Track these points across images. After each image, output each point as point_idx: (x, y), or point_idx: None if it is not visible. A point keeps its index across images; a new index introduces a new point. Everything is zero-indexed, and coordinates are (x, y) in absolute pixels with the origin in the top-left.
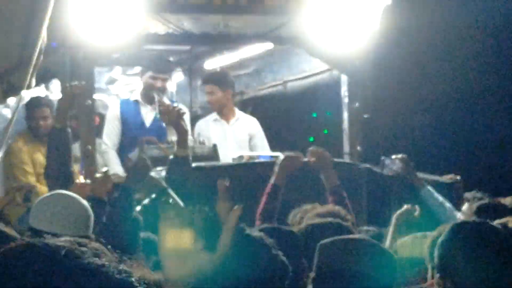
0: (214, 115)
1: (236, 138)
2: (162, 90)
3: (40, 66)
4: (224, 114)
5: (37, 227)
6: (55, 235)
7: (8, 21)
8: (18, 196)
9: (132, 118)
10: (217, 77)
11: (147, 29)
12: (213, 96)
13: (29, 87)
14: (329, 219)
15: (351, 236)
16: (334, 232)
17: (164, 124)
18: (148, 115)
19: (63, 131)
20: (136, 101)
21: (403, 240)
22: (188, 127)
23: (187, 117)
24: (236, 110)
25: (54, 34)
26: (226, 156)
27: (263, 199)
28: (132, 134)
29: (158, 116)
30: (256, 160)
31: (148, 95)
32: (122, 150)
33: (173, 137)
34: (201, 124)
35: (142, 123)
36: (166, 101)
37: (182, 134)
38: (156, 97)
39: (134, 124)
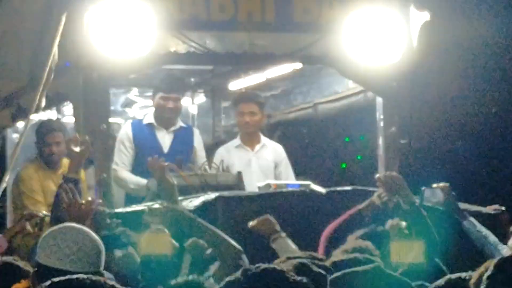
0: (236, 141)
1: (261, 166)
2: (175, 112)
3: (51, 87)
4: (250, 139)
5: (45, 263)
6: (64, 272)
7: (18, 40)
8: (28, 225)
9: (147, 142)
10: (258, 96)
11: (166, 48)
12: (254, 117)
13: (38, 109)
14: (356, 255)
15: (362, 267)
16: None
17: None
18: (165, 139)
19: (75, 183)
20: (150, 124)
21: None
22: (202, 151)
23: (198, 139)
24: (261, 135)
25: (67, 53)
26: (251, 185)
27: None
28: (146, 160)
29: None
30: (284, 189)
31: (162, 118)
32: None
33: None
34: (222, 151)
35: (158, 149)
36: (181, 123)
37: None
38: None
39: (150, 149)
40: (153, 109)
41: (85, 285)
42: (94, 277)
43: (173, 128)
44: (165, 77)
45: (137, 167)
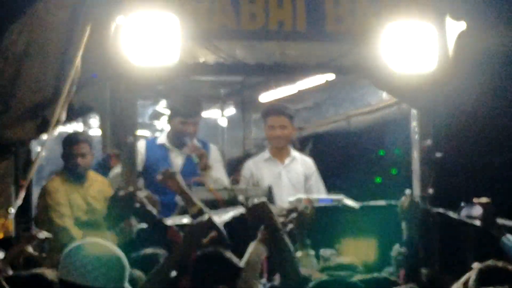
0: (265, 154)
1: (291, 180)
2: (194, 135)
3: (77, 98)
4: (279, 153)
5: (67, 278)
6: (86, 287)
7: (43, 51)
8: (30, 248)
9: (159, 163)
10: (288, 109)
11: (195, 58)
12: (284, 130)
13: (59, 122)
14: (375, 274)
15: None
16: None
17: (199, 171)
18: (177, 161)
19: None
20: (163, 145)
21: None
22: (221, 166)
23: (216, 155)
24: (291, 149)
25: (94, 64)
26: (281, 199)
27: None
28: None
29: (195, 160)
30: (317, 205)
31: (178, 141)
32: None
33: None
34: (250, 164)
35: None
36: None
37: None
38: (191, 142)
39: (160, 168)
40: (167, 129)
41: None
42: None
43: (186, 150)
44: (182, 100)
45: (149, 188)
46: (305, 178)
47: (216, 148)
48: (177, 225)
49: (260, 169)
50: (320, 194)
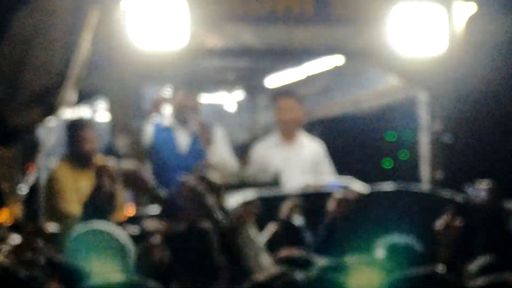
0: (274, 138)
1: (300, 164)
2: (195, 110)
3: (84, 83)
4: (289, 136)
5: (72, 263)
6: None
7: (49, 37)
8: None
9: (165, 145)
10: (296, 92)
11: (202, 43)
12: (294, 113)
13: (69, 104)
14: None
15: None
16: None
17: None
18: (183, 140)
19: None
20: (170, 126)
21: None
22: (227, 152)
23: (223, 137)
24: (301, 132)
25: (100, 49)
26: (289, 184)
27: None
28: (164, 162)
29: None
30: (325, 190)
31: (181, 117)
32: None
33: (213, 161)
34: (260, 148)
35: (176, 150)
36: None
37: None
38: (194, 118)
39: (167, 151)
40: (171, 109)
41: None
42: (133, 277)
43: (191, 128)
44: (184, 74)
45: (156, 169)
46: (314, 162)
47: (222, 129)
48: None
49: (269, 153)
50: (329, 178)
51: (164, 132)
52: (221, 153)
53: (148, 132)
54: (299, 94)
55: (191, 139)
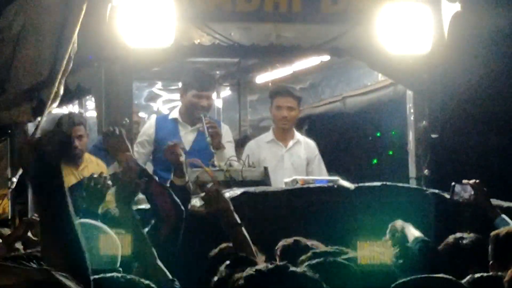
0: (269, 136)
1: (294, 163)
2: (208, 109)
3: (73, 80)
4: (283, 135)
5: None
6: None
7: (38, 33)
8: (28, 233)
9: (168, 139)
10: (296, 91)
11: (191, 40)
12: (292, 112)
13: (57, 97)
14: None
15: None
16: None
17: (211, 148)
18: (188, 136)
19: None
20: (175, 120)
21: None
22: (232, 147)
23: (228, 134)
24: (295, 131)
25: (89, 46)
26: (282, 182)
27: None
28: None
29: (207, 139)
30: (312, 185)
31: (191, 115)
32: (154, 174)
33: (221, 163)
34: (252, 145)
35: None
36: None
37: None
38: (204, 119)
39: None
40: (179, 105)
41: (120, 284)
42: (128, 276)
43: (198, 125)
44: (196, 73)
45: (157, 164)
46: (307, 162)
47: (228, 128)
48: None
49: (262, 151)
50: (319, 176)
51: (168, 126)
52: (228, 154)
53: (150, 126)
54: (298, 92)
55: (195, 137)
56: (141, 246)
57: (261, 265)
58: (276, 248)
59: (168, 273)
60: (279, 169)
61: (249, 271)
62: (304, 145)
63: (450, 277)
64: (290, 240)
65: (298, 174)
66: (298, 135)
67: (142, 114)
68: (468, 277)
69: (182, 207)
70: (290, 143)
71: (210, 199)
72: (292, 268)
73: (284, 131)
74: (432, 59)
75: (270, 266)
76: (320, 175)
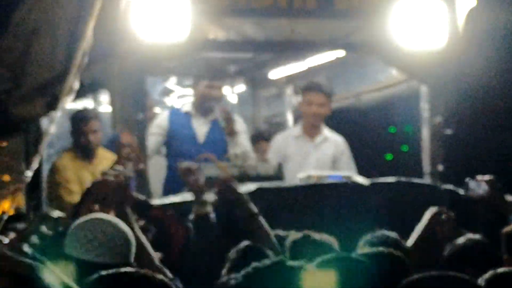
0: (296, 130)
1: (319, 160)
2: (219, 100)
3: (87, 75)
4: (312, 130)
5: (73, 254)
6: (92, 263)
7: (53, 29)
8: (42, 227)
9: (182, 132)
10: (328, 87)
11: (205, 35)
12: (323, 108)
13: (71, 91)
14: (381, 248)
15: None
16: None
17: (226, 138)
18: (201, 128)
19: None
20: (188, 113)
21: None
22: (245, 138)
23: (241, 125)
24: (324, 127)
25: (103, 41)
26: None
27: None
28: (180, 149)
29: (222, 124)
30: (326, 181)
31: (204, 106)
32: (169, 168)
33: (236, 151)
34: (279, 140)
35: (193, 138)
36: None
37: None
38: (220, 108)
39: (183, 138)
40: (192, 98)
41: (133, 278)
42: (142, 271)
43: (211, 117)
44: (207, 65)
45: (171, 157)
46: (333, 159)
47: (241, 120)
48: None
49: (289, 146)
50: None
51: (181, 119)
52: (242, 143)
53: (163, 119)
54: (330, 89)
55: (210, 128)
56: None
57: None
58: (285, 242)
59: (168, 273)
60: (303, 165)
61: (247, 268)
62: (332, 142)
63: (464, 275)
64: (299, 234)
65: (324, 169)
66: (326, 132)
67: (156, 109)
68: (489, 273)
69: (189, 226)
70: (318, 139)
71: (223, 191)
72: (289, 263)
73: (313, 127)
74: (447, 54)
75: (266, 262)
76: (347, 171)
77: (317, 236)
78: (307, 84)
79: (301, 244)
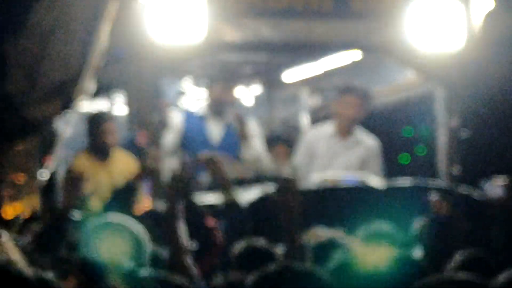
0: (330, 128)
1: (347, 162)
2: (233, 102)
3: (104, 76)
4: (345, 130)
5: (88, 257)
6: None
7: (69, 30)
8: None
9: (196, 134)
10: (366, 91)
11: (221, 37)
12: (359, 112)
13: (87, 91)
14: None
15: None
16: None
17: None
18: (216, 131)
19: None
20: (203, 116)
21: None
22: (260, 146)
23: (255, 129)
24: (358, 129)
25: (119, 42)
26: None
27: None
28: (194, 152)
29: (235, 131)
30: (341, 184)
31: (218, 109)
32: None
33: (249, 155)
34: (311, 136)
35: (207, 140)
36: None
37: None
38: (233, 112)
39: (198, 141)
40: (206, 100)
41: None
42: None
43: (226, 120)
44: (221, 67)
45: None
46: (362, 161)
47: (255, 123)
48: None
49: (319, 143)
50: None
51: (195, 122)
52: (255, 147)
53: (177, 120)
54: (369, 93)
55: (224, 131)
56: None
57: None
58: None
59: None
60: (332, 164)
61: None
62: (363, 144)
63: (475, 277)
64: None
65: (351, 171)
66: (359, 133)
67: (171, 110)
68: (503, 275)
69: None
70: (350, 140)
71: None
72: (298, 267)
73: (346, 128)
74: (464, 56)
75: (273, 267)
76: (375, 174)
77: (342, 239)
78: (345, 86)
79: (327, 248)
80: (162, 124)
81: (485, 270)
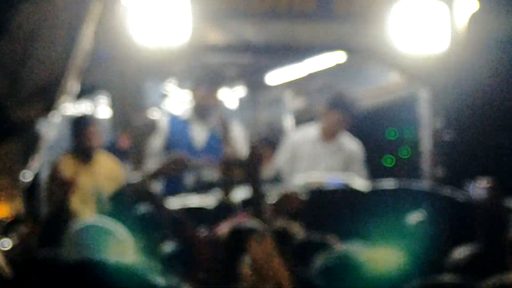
0: (314, 132)
1: (330, 166)
2: (217, 106)
3: (86, 78)
4: (329, 135)
5: (72, 258)
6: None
7: (51, 32)
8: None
9: (180, 138)
10: (353, 107)
11: (205, 39)
12: (342, 124)
13: (70, 94)
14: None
15: None
16: None
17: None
18: (199, 135)
19: None
20: (187, 120)
21: None
22: (244, 149)
23: (239, 134)
24: (342, 132)
25: (102, 45)
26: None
27: None
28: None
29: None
30: (325, 187)
31: (202, 112)
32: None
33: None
34: (294, 138)
35: (191, 145)
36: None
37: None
38: (215, 116)
39: (182, 144)
40: (189, 104)
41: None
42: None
43: (210, 124)
44: (204, 69)
45: None
46: (345, 166)
47: (239, 126)
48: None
49: (302, 146)
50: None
51: (180, 126)
52: (238, 151)
53: (162, 123)
54: (354, 109)
55: (208, 135)
56: None
57: None
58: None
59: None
60: (314, 167)
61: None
62: (347, 148)
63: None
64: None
65: (333, 175)
66: (343, 138)
67: (154, 113)
68: (493, 280)
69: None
70: (333, 144)
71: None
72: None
73: (331, 133)
74: (448, 58)
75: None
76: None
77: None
78: (335, 99)
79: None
80: (148, 127)
81: (471, 272)
